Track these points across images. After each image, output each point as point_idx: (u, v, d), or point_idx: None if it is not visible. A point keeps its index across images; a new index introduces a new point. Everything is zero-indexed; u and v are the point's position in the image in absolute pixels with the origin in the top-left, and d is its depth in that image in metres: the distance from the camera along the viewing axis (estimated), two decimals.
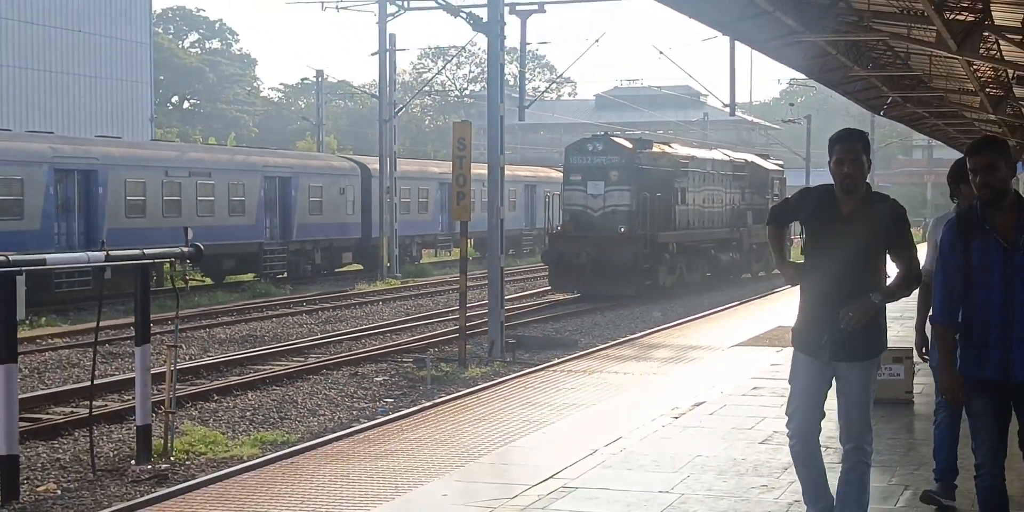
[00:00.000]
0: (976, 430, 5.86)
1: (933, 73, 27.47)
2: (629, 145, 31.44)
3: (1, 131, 32.24)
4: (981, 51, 19.99)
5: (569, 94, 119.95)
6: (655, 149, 33.37)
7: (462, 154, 19.95)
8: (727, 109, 50.98)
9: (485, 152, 21.36)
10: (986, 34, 18.94)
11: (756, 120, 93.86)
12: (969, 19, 18.18)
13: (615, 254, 29.06)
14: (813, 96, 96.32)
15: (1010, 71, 22.42)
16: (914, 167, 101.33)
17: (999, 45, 19.95)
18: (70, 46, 44.23)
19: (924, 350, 7.99)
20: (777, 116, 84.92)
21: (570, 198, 31.17)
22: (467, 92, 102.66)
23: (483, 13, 21.14)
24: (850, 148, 6.41)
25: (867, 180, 6.56)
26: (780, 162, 45.95)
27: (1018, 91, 26.27)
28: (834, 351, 6.39)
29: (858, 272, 6.41)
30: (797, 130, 69.41)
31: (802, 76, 31.91)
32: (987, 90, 28.28)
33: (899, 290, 6.55)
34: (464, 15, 22.12)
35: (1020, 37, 18.10)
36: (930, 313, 6.38)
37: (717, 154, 39.32)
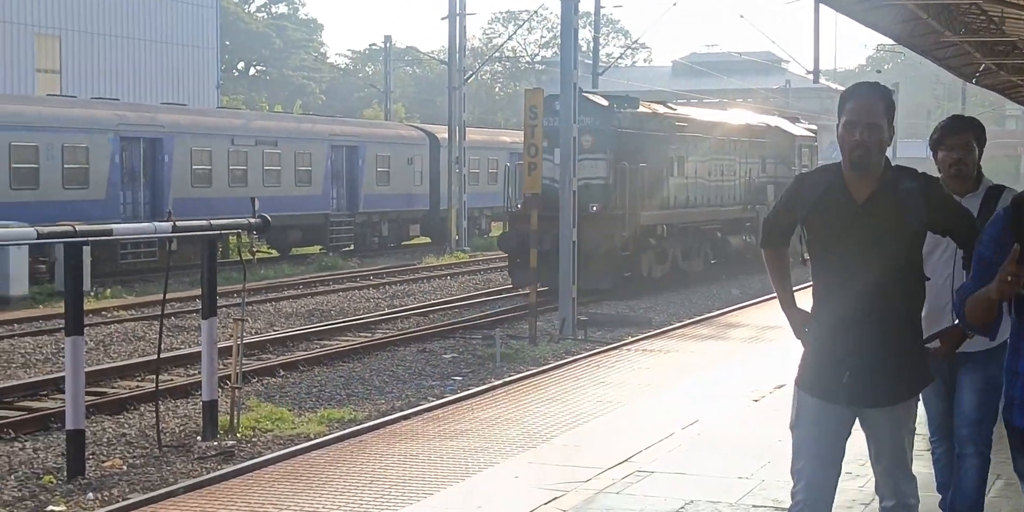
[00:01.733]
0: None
1: None
2: (605, 103, 25.90)
3: (66, 98, 32.59)
4: None
5: (645, 60, 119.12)
6: (641, 109, 27.83)
7: (534, 123, 19.95)
8: (810, 76, 50.35)
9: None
10: None
11: (841, 88, 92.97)
12: None
13: (586, 239, 22.14)
14: (901, 63, 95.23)
15: None
16: (1007, 138, 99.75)
17: None
18: (135, 11, 44.61)
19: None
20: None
21: None
22: (539, 58, 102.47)
23: None
24: (867, 107, 4.85)
25: (886, 153, 4.97)
26: (813, 127, 38.82)
27: None
28: (856, 394, 4.89)
29: (890, 281, 4.84)
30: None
31: (890, 42, 31.42)
32: None
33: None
34: None
35: None
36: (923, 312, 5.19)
37: (730, 116, 33.24)
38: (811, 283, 5.13)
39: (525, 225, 22.35)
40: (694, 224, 28.65)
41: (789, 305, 5.18)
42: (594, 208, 23.84)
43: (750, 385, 11.88)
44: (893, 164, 4.98)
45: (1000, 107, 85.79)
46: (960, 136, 6.04)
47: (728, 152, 30.81)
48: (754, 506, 6.80)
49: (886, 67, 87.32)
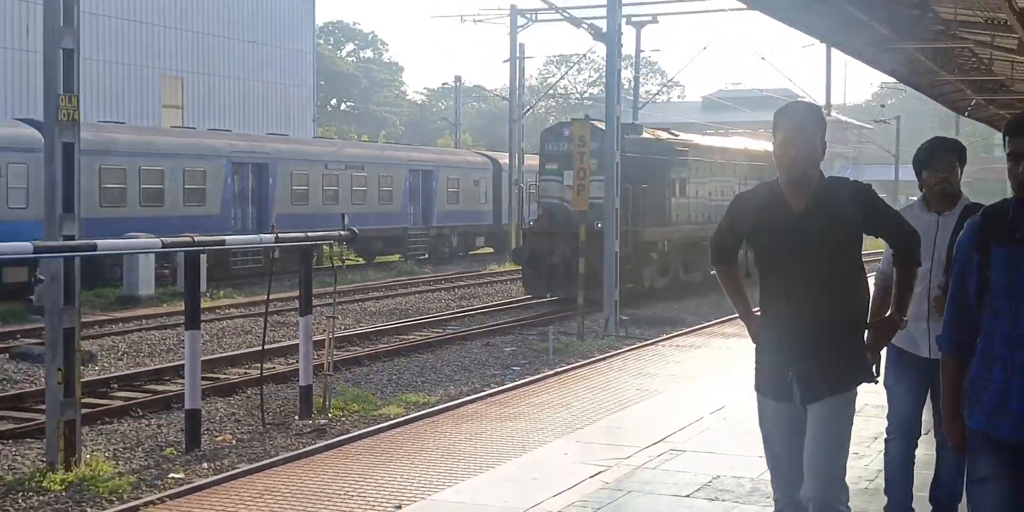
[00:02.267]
0: (980, 500, 3.80)
1: (1015, 77, 26.77)
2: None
3: (187, 129, 33.00)
4: None
5: (678, 96, 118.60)
6: (645, 135, 26.62)
7: (581, 150, 19.99)
8: (824, 111, 50.01)
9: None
10: None
11: (850, 120, 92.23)
12: None
13: (592, 252, 20.47)
14: (903, 98, 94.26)
15: None
16: (995, 164, 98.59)
17: None
18: (245, 55, 45.04)
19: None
20: (870, 117, 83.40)
21: (545, 189, 24.08)
22: (587, 95, 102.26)
23: (602, 24, 21.17)
24: (801, 125, 4.51)
25: (820, 166, 4.58)
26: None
27: None
28: (805, 391, 4.51)
29: (829, 284, 4.51)
30: (888, 130, 67.96)
31: (893, 80, 31.24)
32: None
33: (906, 287, 4.72)
34: (586, 26, 22.16)
35: None
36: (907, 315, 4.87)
37: (730, 142, 31.90)
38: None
39: (537, 240, 23.11)
40: (695, 240, 26.45)
41: (746, 315, 4.88)
42: (599, 225, 21.70)
43: None
44: (827, 176, 4.64)
45: (989, 138, 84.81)
46: (944, 157, 5.71)
47: (728, 174, 29.39)
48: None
49: (889, 102, 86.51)
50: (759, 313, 4.78)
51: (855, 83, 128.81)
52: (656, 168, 25.45)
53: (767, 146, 31.25)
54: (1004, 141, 3.74)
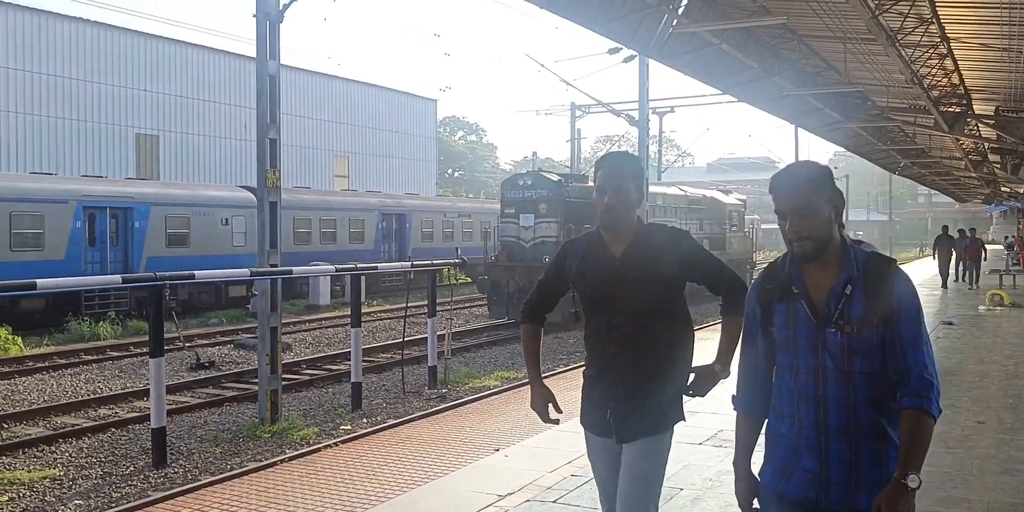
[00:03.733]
0: None
1: (932, 146, 26.18)
2: (556, 179, 20.91)
3: (351, 191, 33.46)
4: (966, 131, 18.99)
5: (689, 163, 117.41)
6: (588, 184, 22.14)
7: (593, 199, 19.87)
8: None
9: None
10: (969, 120, 18.02)
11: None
12: (957, 110, 17.34)
13: None
14: (851, 162, 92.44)
15: (985, 144, 21.32)
16: (918, 209, 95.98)
17: (978, 126, 18.99)
18: (391, 140, 45.60)
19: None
20: None
21: (504, 229, 20.81)
22: None
23: (635, 114, 21.12)
24: (616, 173, 3.34)
25: (637, 212, 3.41)
26: (743, 197, 32.68)
27: (992, 157, 24.88)
28: (620, 430, 3.30)
29: (651, 327, 3.28)
30: (840, 184, 66.59)
31: (843, 149, 30.76)
32: (969, 157, 26.77)
33: (729, 339, 3.30)
34: (624, 116, 22.16)
35: (992, 121, 17.18)
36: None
37: (672, 189, 27.41)
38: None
39: (497, 272, 19.78)
40: None
41: (533, 380, 3.50)
42: (546, 259, 19.18)
43: None
44: (646, 222, 3.45)
45: (913, 189, 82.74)
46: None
47: (671, 215, 25.30)
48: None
49: (841, 165, 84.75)
50: (585, 351, 3.48)
51: (816, 151, 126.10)
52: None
53: (704, 192, 28.67)
54: (773, 199, 2.55)
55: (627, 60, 18.95)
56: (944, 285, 23.58)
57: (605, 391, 3.33)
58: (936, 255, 24.90)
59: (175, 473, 8.17)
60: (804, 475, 2.55)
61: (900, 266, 2.50)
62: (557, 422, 3.47)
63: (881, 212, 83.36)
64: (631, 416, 3.29)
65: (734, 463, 2.78)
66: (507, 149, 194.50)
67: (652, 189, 25.21)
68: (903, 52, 11.85)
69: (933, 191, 60.95)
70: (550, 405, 3.44)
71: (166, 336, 9.15)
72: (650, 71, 20.20)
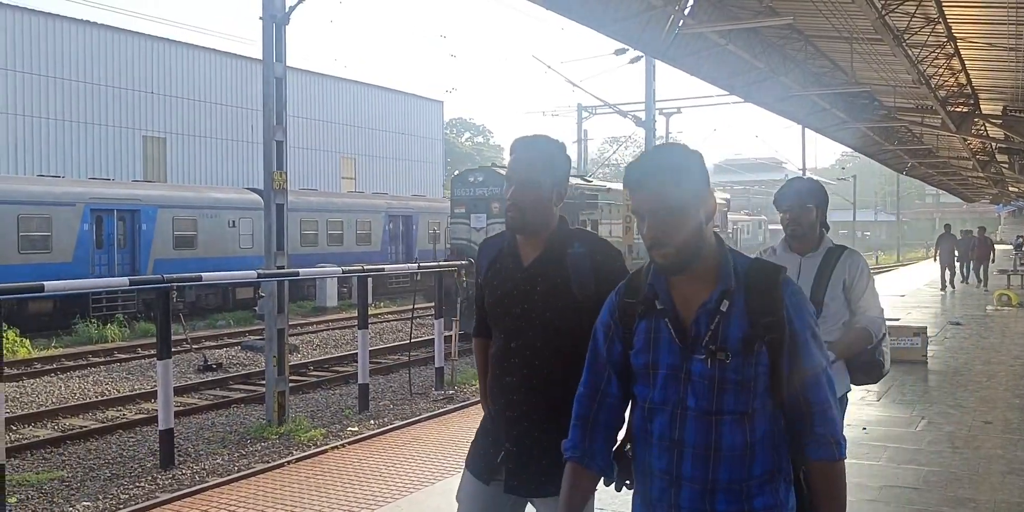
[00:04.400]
0: None
1: (939, 146, 26.16)
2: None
3: (357, 193, 33.51)
4: (973, 131, 18.97)
5: None
6: None
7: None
8: (800, 171, 49.21)
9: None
10: (976, 119, 18.00)
11: (820, 178, 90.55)
12: (964, 110, 17.33)
13: None
14: (858, 162, 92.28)
15: (993, 143, 21.29)
16: (925, 209, 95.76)
17: (986, 126, 18.97)
18: (397, 142, 45.66)
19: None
20: (834, 176, 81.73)
21: (455, 231, 18.42)
22: None
23: (642, 115, 21.11)
24: (523, 163, 2.59)
25: (557, 211, 2.64)
26: (726, 196, 30.78)
27: (1000, 156, 24.83)
28: (510, 478, 2.56)
29: (555, 355, 2.54)
30: (848, 185, 66.41)
31: (850, 150, 30.65)
32: (977, 156, 26.75)
33: None
34: (631, 117, 22.14)
35: (1000, 121, 17.15)
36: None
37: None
38: None
39: (447, 276, 15.74)
40: None
41: (484, 401, 2.85)
42: None
43: None
44: (572, 227, 2.68)
45: (921, 189, 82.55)
46: (792, 197, 3.78)
47: None
48: None
49: (848, 165, 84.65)
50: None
51: (823, 151, 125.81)
52: (566, 210, 18.90)
53: None
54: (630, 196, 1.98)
55: (633, 61, 18.96)
56: (944, 287, 23.50)
57: (501, 429, 2.61)
58: (937, 254, 24.82)
59: (183, 474, 8.21)
60: None
61: (789, 277, 1.98)
62: None
63: (888, 212, 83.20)
64: (528, 465, 2.54)
65: None
66: None
67: (615, 186, 23.43)
68: (910, 52, 11.84)
69: (941, 191, 60.83)
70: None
71: (174, 338, 9.20)
72: (657, 72, 20.19)
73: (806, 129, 27.53)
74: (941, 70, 14.07)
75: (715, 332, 1.91)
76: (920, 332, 10.62)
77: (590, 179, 23.90)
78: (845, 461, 1.95)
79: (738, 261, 1.98)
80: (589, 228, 20.13)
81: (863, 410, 7.68)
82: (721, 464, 1.91)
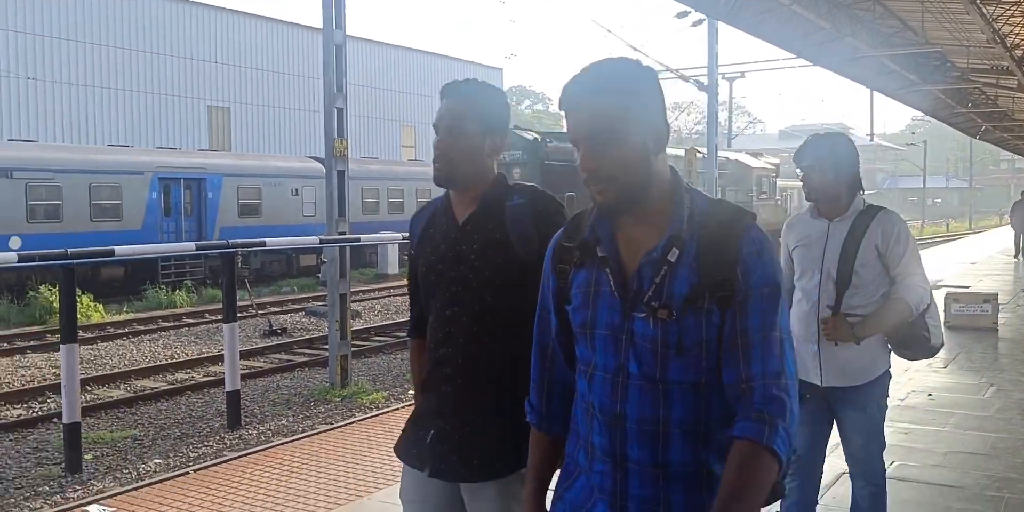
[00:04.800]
0: None
1: (1015, 109, 25.29)
2: (532, 137, 17.43)
3: (417, 161, 33.64)
4: None
5: (760, 130, 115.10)
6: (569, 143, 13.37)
7: (689, 169, 19.59)
8: (868, 137, 47.90)
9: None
10: None
11: (889, 144, 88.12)
12: None
13: None
14: (929, 127, 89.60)
15: None
16: (1001, 175, 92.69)
17: None
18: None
19: None
20: (903, 141, 79.56)
21: None
22: (694, 131, 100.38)
23: (704, 79, 20.73)
24: (450, 109, 2.33)
25: (490, 163, 2.32)
26: (775, 161, 28.51)
27: None
28: (436, 461, 2.24)
29: (494, 322, 2.21)
30: (918, 150, 64.58)
31: (921, 114, 29.71)
32: None
33: None
34: (693, 82, 21.74)
35: None
36: None
37: (680, 151, 22.33)
38: None
39: None
40: None
41: (418, 394, 2.40)
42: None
43: None
44: (513, 182, 2.33)
45: (996, 154, 79.84)
46: (806, 155, 3.31)
47: None
48: None
49: (919, 130, 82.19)
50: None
51: (893, 117, 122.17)
52: (571, 177, 18.67)
53: (728, 155, 24.22)
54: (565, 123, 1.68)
55: (695, 24, 18.61)
56: (1017, 254, 22.81)
57: (433, 403, 2.29)
58: (1012, 221, 24.03)
59: (249, 434, 8.44)
60: None
61: (758, 223, 1.63)
62: None
63: (961, 179, 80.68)
64: (453, 448, 2.23)
65: (524, 497, 1.84)
66: None
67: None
68: (984, 10, 11.38)
69: (1017, 156, 58.73)
70: None
71: (239, 303, 9.41)
72: (719, 35, 19.76)
73: (875, 93, 26.74)
74: (1018, 28, 13.51)
75: (660, 286, 1.59)
76: (991, 299, 10.35)
77: None
78: (778, 460, 1.50)
79: (698, 202, 1.64)
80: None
81: (929, 377, 7.54)
82: (672, 444, 1.59)
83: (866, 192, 3.47)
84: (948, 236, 45.66)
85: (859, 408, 3.26)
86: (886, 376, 3.28)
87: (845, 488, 4.52)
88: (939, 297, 11.30)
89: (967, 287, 13.12)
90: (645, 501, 1.61)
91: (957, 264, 20.32)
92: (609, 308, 1.63)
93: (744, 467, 1.50)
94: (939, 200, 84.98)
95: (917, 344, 3.27)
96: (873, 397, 3.26)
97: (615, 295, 1.63)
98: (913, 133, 76.46)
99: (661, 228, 1.62)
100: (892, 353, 3.33)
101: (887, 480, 3.39)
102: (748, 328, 1.57)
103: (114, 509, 4.63)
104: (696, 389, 1.60)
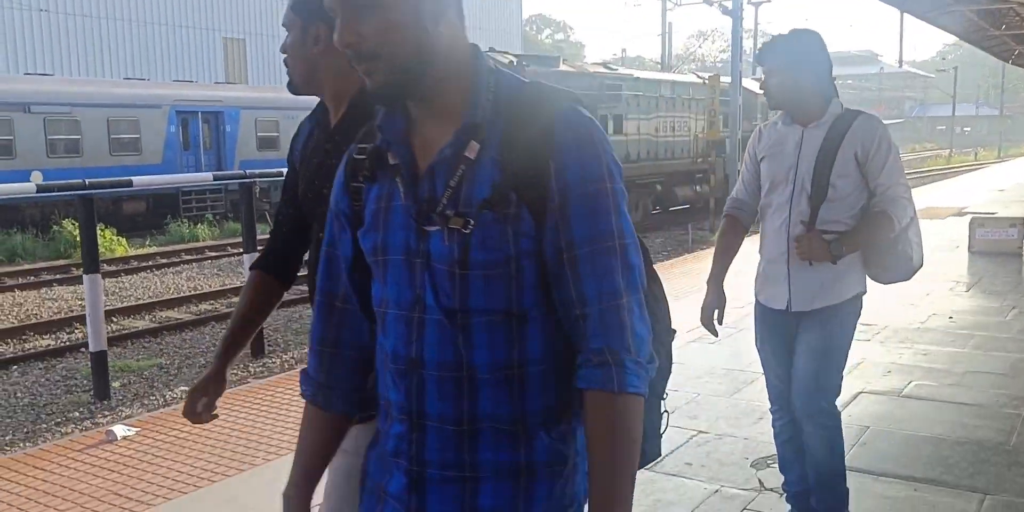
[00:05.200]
0: None
1: None
2: (507, 60, 16.03)
3: None
4: None
5: None
6: (563, 68, 17.79)
7: (713, 96, 19.29)
8: (897, 64, 46.80)
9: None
10: None
11: (917, 71, 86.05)
12: None
13: None
14: (960, 53, 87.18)
15: None
16: None
17: None
18: (471, 39, 44.90)
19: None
20: (933, 68, 77.66)
21: None
22: (719, 60, 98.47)
23: (729, 3, 20.25)
24: (291, 7, 1.75)
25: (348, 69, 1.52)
26: None
27: None
28: None
29: None
30: (948, 77, 63.03)
31: (953, 39, 28.90)
32: None
33: None
34: (717, 5, 21.24)
35: None
36: None
37: (686, 76, 22.24)
38: None
39: None
40: (630, 178, 17.24)
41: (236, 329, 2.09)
42: None
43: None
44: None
45: None
46: (772, 61, 2.99)
47: (681, 109, 20.78)
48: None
49: (949, 57, 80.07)
50: None
51: (923, 42, 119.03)
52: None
53: (728, 80, 21.25)
54: None
55: None
56: None
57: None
58: None
59: (272, 363, 8.58)
60: (390, 503, 1.33)
61: (581, 107, 1.27)
62: None
63: (992, 106, 78.84)
64: None
65: (284, 491, 1.43)
66: (595, 48, 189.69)
67: (654, 76, 21.70)
68: None
69: None
70: None
71: (259, 236, 9.45)
72: None
73: (905, 16, 25.86)
74: None
75: (456, 190, 1.22)
76: (1017, 223, 10.24)
77: (614, 67, 20.66)
78: (641, 398, 1.20)
79: (504, 86, 1.28)
80: (611, 125, 17.85)
81: (951, 300, 7.49)
82: (479, 392, 1.24)
83: (894, 121, 3.14)
84: (975, 165, 44.95)
85: (819, 326, 2.89)
86: (858, 300, 2.92)
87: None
88: (964, 223, 11.16)
89: (994, 213, 12.95)
90: (447, 466, 1.26)
91: (985, 191, 20.05)
92: (404, 227, 1.26)
93: (604, 423, 1.19)
94: (968, 128, 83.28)
95: (898, 264, 2.91)
96: (839, 318, 2.88)
97: (404, 208, 1.26)
98: (943, 59, 74.69)
99: (446, 127, 1.25)
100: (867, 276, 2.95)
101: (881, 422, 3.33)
102: (573, 240, 1.21)
103: (138, 429, 4.75)
104: (507, 321, 1.23)
